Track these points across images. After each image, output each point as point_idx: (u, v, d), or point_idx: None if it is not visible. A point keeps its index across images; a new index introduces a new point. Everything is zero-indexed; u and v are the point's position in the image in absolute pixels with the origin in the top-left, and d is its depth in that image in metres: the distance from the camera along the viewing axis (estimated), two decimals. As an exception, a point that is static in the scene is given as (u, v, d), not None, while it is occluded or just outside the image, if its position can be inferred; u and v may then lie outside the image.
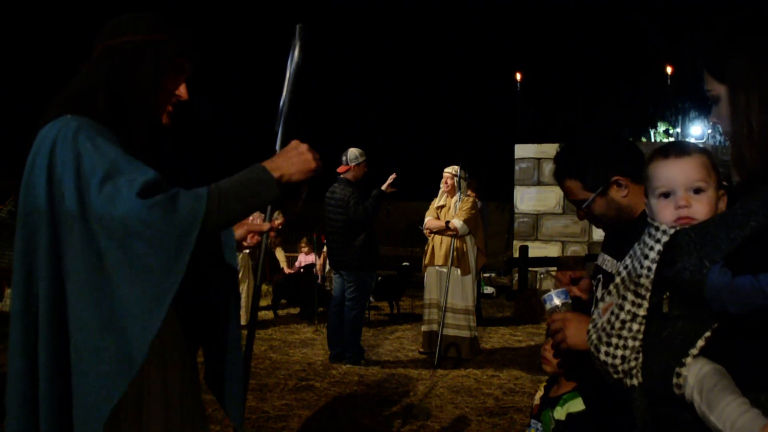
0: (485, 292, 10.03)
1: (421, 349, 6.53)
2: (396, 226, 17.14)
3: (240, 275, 7.25)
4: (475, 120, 27.92)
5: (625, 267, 1.46)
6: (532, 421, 2.24)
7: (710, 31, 1.39)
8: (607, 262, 1.96)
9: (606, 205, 1.91)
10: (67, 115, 1.56)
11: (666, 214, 1.41)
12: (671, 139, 11.69)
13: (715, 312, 1.25)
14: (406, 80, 33.99)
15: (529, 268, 10.07)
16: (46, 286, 1.51)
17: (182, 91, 1.75)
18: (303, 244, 9.73)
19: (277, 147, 1.88)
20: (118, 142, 1.56)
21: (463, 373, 5.76)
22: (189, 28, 1.75)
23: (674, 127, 12.46)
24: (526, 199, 10.95)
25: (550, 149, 10.23)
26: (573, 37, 23.14)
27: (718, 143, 10.17)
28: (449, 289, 6.14)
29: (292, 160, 1.65)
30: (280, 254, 9.71)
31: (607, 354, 1.41)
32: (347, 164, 6.05)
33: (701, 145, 1.81)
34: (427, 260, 6.47)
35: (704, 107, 11.28)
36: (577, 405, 2.06)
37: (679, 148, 1.44)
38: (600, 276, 1.96)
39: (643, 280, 1.38)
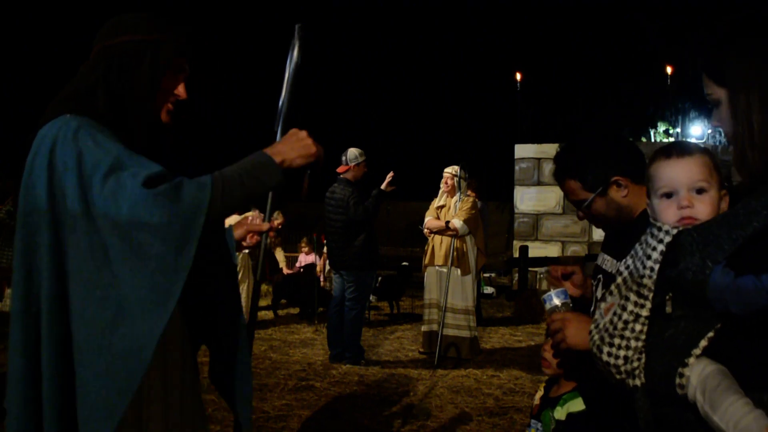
0: (485, 292, 10.03)
1: (421, 349, 6.53)
2: (396, 226, 17.14)
3: (240, 275, 7.27)
4: (475, 120, 27.94)
5: (627, 267, 1.46)
6: (532, 421, 2.24)
7: (709, 32, 1.38)
8: (606, 262, 1.96)
9: (606, 205, 1.91)
10: (66, 115, 1.56)
11: (668, 214, 1.41)
12: (671, 139, 11.70)
13: (717, 312, 1.25)
14: (406, 80, 34.01)
15: (529, 268, 10.08)
16: (47, 285, 1.51)
17: (181, 90, 1.75)
18: (303, 244, 9.74)
19: None
20: (118, 141, 1.56)
21: (463, 373, 5.76)
22: (188, 28, 1.76)
23: (674, 127, 12.47)
24: (526, 199, 10.96)
25: (550, 149, 10.23)
26: (573, 37, 23.16)
27: (718, 143, 10.18)
28: (449, 289, 6.14)
29: (293, 145, 1.67)
30: (279, 254, 9.71)
31: (609, 355, 1.41)
32: (347, 164, 6.05)
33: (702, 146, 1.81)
34: (427, 260, 6.47)
35: (704, 107, 11.29)
36: (577, 405, 2.06)
37: (682, 149, 1.44)
38: (600, 276, 1.96)
39: (645, 281, 1.37)
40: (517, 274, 10.40)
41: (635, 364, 1.37)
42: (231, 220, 4.50)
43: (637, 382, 1.37)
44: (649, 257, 1.39)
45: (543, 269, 10.40)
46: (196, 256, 1.46)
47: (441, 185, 6.53)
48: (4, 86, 22.18)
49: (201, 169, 1.64)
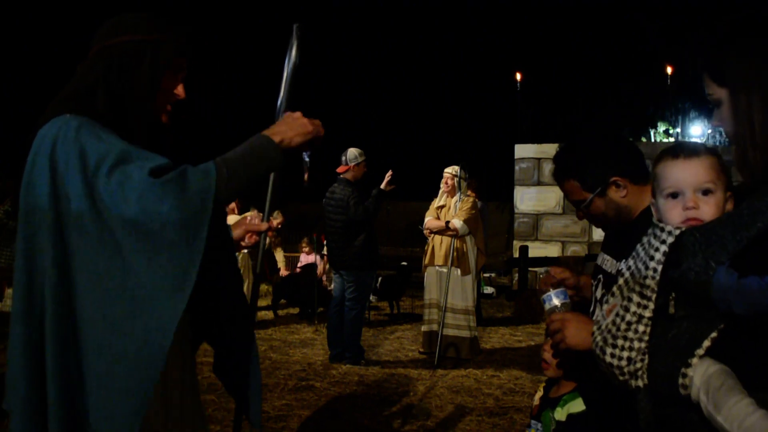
0: (485, 292, 10.03)
1: (421, 349, 6.53)
2: (396, 226, 17.15)
3: (240, 275, 7.25)
4: (475, 120, 27.94)
5: (628, 268, 1.46)
6: (532, 421, 2.24)
7: (709, 32, 1.38)
8: (606, 262, 1.96)
9: (605, 205, 1.91)
10: (66, 114, 1.56)
11: (673, 214, 1.40)
12: (671, 140, 11.70)
13: (721, 312, 1.25)
14: (406, 80, 34.00)
15: (529, 268, 10.07)
16: (52, 285, 1.50)
17: (180, 90, 1.76)
18: (304, 244, 9.73)
19: None
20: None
21: (463, 373, 5.76)
22: (188, 28, 1.76)
23: (674, 127, 12.48)
24: (526, 199, 10.95)
25: (550, 149, 10.23)
26: (573, 37, 23.17)
27: (718, 143, 10.18)
28: (449, 289, 6.14)
29: (290, 125, 1.70)
30: (279, 255, 9.71)
31: (612, 356, 1.40)
32: (347, 164, 6.04)
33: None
34: (427, 260, 6.47)
35: (704, 107, 11.31)
36: (577, 405, 2.06)
37: (689, 149, 1.43)
38: (600, 276, 1.96)
39: (648, 281, 1.37)
40: (517, 274, 10.39)
41: (638, 365, 1.37)
42: (230, 220, 4.50)
43: (640, 383, 1.37)
44: (651, 258, 1.38)
45: (543, 269, 10.39)
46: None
47: (441, 185, 6.53)
48: (4, 86, 22.19)
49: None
